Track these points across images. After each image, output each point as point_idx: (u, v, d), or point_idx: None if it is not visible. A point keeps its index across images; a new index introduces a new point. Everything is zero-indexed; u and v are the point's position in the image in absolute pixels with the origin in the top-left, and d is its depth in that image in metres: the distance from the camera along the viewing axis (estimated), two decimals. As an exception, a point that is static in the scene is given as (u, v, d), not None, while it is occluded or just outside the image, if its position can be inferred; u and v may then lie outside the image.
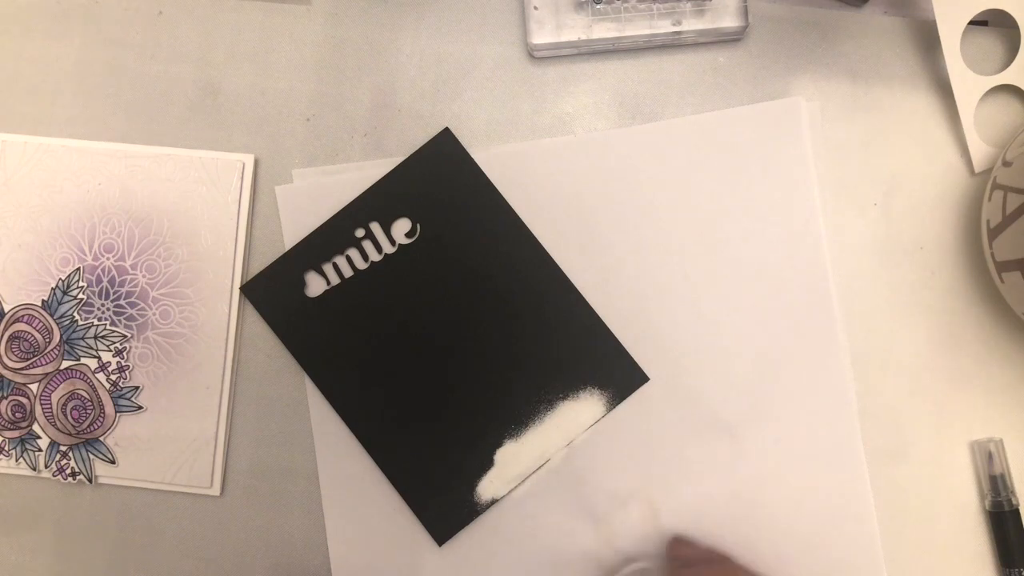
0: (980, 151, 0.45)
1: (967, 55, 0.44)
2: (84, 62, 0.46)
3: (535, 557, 0.43)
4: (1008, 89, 0.45)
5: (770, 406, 0.43)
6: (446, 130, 0.44)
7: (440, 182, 0.43)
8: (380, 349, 0.43)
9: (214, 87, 0.46)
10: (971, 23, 0.44)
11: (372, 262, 0.43)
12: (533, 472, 0.43)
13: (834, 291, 0.44)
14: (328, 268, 0.43)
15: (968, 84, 0.44)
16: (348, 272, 0.43)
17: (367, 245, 0.43)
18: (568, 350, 0.43)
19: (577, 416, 0.43)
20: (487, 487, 0.42)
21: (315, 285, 0.43)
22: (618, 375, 0.43)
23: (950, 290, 0.45)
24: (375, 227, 0.43)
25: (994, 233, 0.41)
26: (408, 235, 0.43)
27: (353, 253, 0.43)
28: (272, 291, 0.43)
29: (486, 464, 0.42)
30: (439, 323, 0.43)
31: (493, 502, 0.42)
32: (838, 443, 0.43)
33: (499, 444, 0.42)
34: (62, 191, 0.44)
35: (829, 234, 0.44)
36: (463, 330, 0.43)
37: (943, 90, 0.45)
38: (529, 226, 0.44)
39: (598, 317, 0.43)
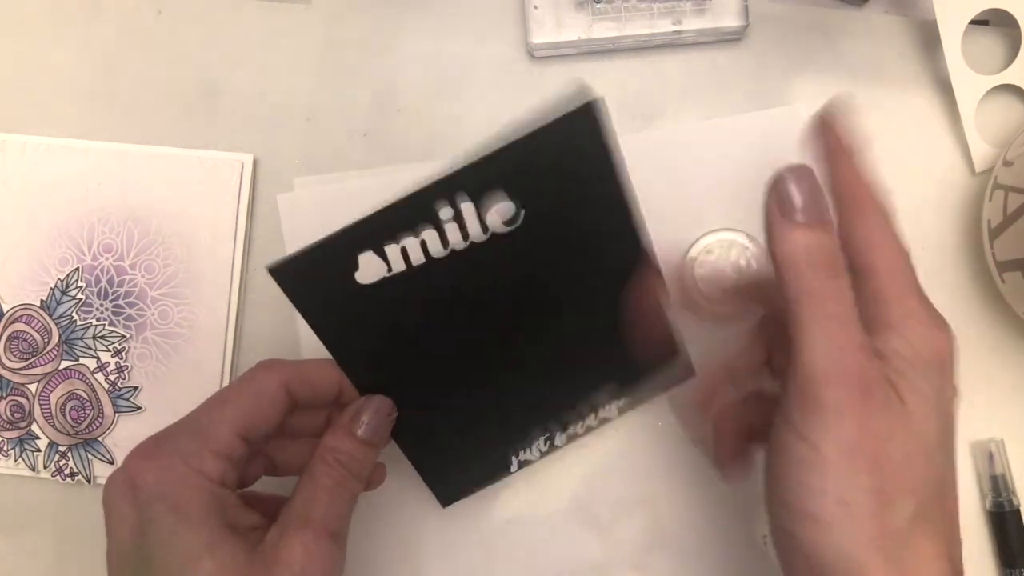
0: (981, 151, 0.45)
1: (968, 55, 0.44)
2: (84, 62, 0.46)
3: (540, 570, 0.43)
4: (1009, 89, 0.45)
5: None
6: (593, 102, 0.33)
7: (567, 163, 0.34)
8: (431, 345, 0.36)
9: (213, 87, 0.46)
10: (972, 22, 0.44)
11: (453, 250, 0.33)
12: (547, 453, 0.42)
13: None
14: (393, 251, 0.33)
15: (969, 84, 0.44)
16: (419, 258, 0.33)
17: (450, 228, 0.33)
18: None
19: (610, 405, 0.42)
20: (501, 459, 0.41)
21: (371, 269, 0.33)
22: (667, 369, 0.41)
23: (950, 290, 0.45)
24: (466, 207, 0.33)
25: (995, 233, 0.41)
26: (507, 223, 0.34)
27: (430, 235, 0.33)
28: (313, 272, 0.33)
29: (508, 441, 0.41)
30: (505, 320, 0.37)
31: (504, 474, 0.41)
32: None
33: (529, 426, 0.40)
34: (61, 191, 0.44)
35: (829, 234, 0.44)
36: (531, 327, 0.38)
37: (944, 90, 0.45)
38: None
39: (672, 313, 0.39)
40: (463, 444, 0.40)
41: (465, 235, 0.34)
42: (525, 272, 0.36)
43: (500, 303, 0.36)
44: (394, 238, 0.33)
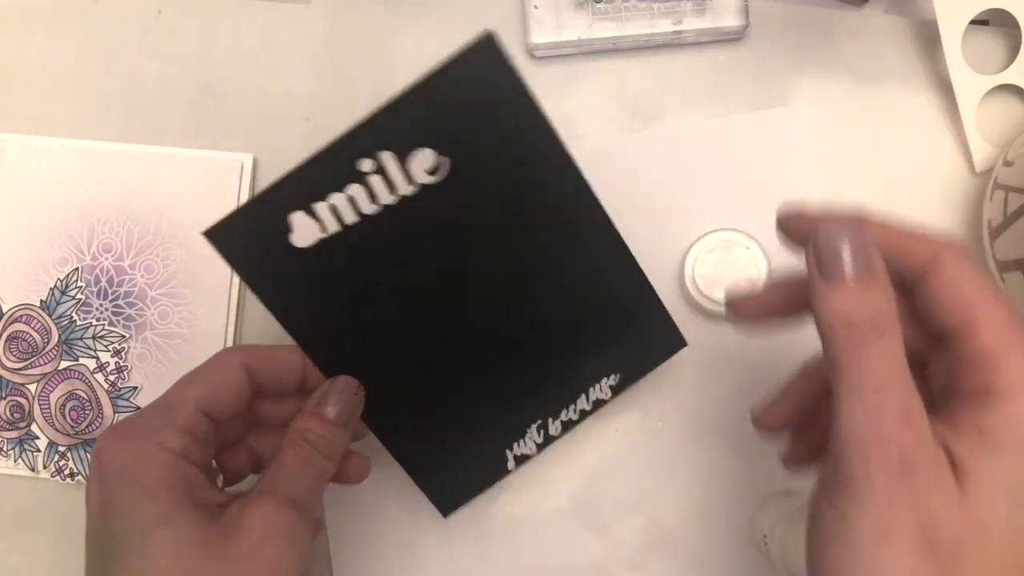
0: (981, 151, 0.45)
1: (968, 54, 0.44)
2: (83, 62, 0.46)
3: (539, 570, 0.43)
4: (1009, 88, 0.45)
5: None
6: (488, 35, 0.32)
7: (476, 104, 0.33)
8: (388, 313, 0.35)
9: (213, 87, 0.46)
10: (972, 22, 0.44)
11: (384, 205, 0.33)
12: (544, 446, 0.41)
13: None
14: (322, 209, 0.33)
15: (969, 83, 0.44)
16: (351, 217, 0.33)
17: (376, 182, 0.33)
18: (606, 310, 0.38)
19: (600, 384, 0.41)
20: (497, 457, 0.40)
21: (305, 231, 0.33)
22: (655, 338, 0.40)
23: (951, 290, 0.44)
24: (387, 158, 0.32)
25: (995, 233, 0.41)
26: (431, 172, 0.33)
27: (357, 191, 0.33)
28: (247, 234, 0.33)
29: (500, 434, 0.40)
30: (461, 283, 0.36)
31: (503, 473, 0.41)
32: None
33: (518, 414, 0.40)
34: (61, 191, 0.44)
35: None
36: (490, 290, 0.36)
37: (944, 89, 0.45)
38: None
39: (642, 272, 0.38)
40: (455, 445, 0.39)
41: (392, 187, 0.33)
42: (468, 230, 0.35)
43: (449, 267, 0.35)
44: (320, 196, 0.33)
